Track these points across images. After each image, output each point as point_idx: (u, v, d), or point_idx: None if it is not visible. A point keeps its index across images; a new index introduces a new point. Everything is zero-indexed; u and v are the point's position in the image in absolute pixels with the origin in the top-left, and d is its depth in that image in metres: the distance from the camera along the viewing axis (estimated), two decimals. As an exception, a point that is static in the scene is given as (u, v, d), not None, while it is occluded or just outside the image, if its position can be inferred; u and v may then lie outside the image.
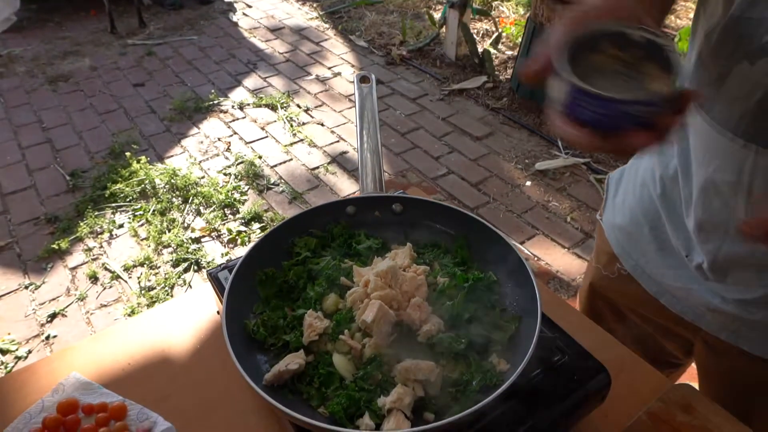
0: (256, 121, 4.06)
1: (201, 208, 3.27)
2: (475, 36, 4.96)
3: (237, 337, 0.80)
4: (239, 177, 3.51)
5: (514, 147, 3.85)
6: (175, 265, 2.92)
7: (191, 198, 3.31)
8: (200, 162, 3.65)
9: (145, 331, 1.14)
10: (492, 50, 4.82)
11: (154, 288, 2.79)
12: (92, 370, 1.06)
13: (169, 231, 3.09)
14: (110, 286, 2.82)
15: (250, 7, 6.09)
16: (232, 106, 4.22)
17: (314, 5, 6.11)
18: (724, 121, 0.78)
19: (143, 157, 3.54)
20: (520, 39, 4.67)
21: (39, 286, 2.80)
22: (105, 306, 2.73)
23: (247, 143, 3.83)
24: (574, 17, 0.66)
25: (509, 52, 4.96)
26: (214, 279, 1.02)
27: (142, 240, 3.07)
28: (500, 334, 0.85)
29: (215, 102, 4.24)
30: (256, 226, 3.14)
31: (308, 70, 4.77)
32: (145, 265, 2.91)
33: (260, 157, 3.69)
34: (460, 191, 3.44)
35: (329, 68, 4.81)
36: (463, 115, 4.18)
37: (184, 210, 3.25)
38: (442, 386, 0.80)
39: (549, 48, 0.64)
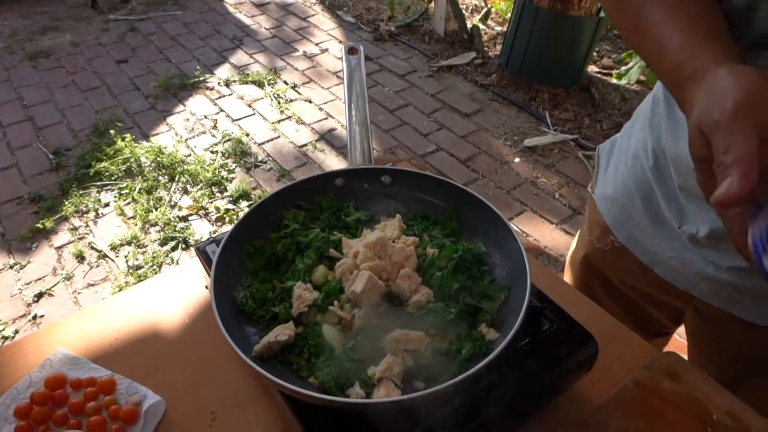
0: (242, 98, 4.01)
1: (188, 186, 3.24)
2: (464, 11, 4.90)
3: (225, 310, 0.80)
4: (226, 155, 3.48)
5: (503, 123, 3.84)
6: (163, 243, 2.89)
7: (178, 176, 3.28)
8: (186, 140, 3.61)
9: (132, 307, 1.13)
10: (481, 26, 4.78)
11: (142, 267, 2.77)
12: (79, 345, 1.05)
13: (156, 209, 3.06)
14: (97, 266, 2.80)
15: (234, -19, 5.97)
16: (218, 83, 4.16)
17: (300, -20, 6.00)
18: None
19: (128, 135, 3.49)
20: (509, 14, 4.63)
21: (24, 266, 2.77)
22: (92, 285, 2.71)
23: (234, 120, 3.79)
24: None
25: (498, 28, 4.92)
26: (202, 253, 1.01)
27: (128, 219, 3.04)
28: (489, 304, 0.86)
29: (201, 79, 4.17)
30: (244, 204, 3.12)
31: (295, 47, 4.70)
32: (133, 244, 2.89)
33: (247, 135, 3.65)
34: (448, 168, 3.43)
35: (316, 44, 4.75)
36: (451, 92, 4.15)
37: (170, 188, 3.22)
38: (431, 356, 0.80)
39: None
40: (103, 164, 3.29)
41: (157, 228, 2.98)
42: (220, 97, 4.02)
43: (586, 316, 0.96)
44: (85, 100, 3.94)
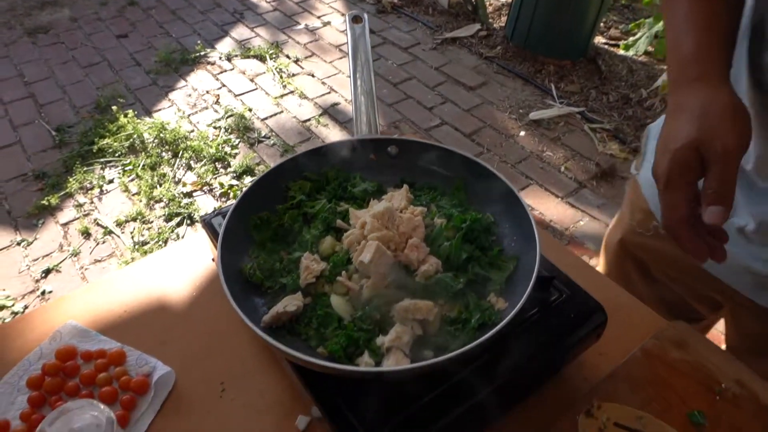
0: (244, 73, 3.97)
1: (191, 162, 3.23)
2: (468, -18, 4.81)
3: (233, 281, 0.79)
4: (229, 130, 3.45)
5: (508, 97, 3.79)
6: (168, 219, 2.89)
7: (181, 152, 3.26)
8: (189, 115, 3.58)
9: (139, 280, 1.13)
10: (485, -3, 4.69)
11: (148, 242, 2.78)
12: (88, 318, 1.06)
13: (160, 186, 3.06)
14: (103, 242, 2.80)
15: (234, -47, 5.86)
16: (220, 58, 4.11)
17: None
18: None
19: (130, 111, 3.46)
20: (514, -15, 4.54)
21: (31, 243, 2.78)
22: (99, 261, 2.71)
23: (236, 96, 3.75)
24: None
25: (503, -1, 4.83)
26: (208, 225, 1.01)
27: (133, 195, 3.03)
28: (498, 274, 0.85)
29: (202, 53, 4.13)
30: (247, 179, 3.11)
31: (297, 20, 4.63)
32: (138, 220, 2.89)
33: (250, 110, 3.62)
34: (453, 142, 3.41)
35: (318, 17, 4.67)
36: (456, 65, 4.09)
37: (174, 164, 3.21)
38: (440, 325, 0.80)
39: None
40: (106, 141, 3.27)
41: (162, 204, 2.98)
42: (221, 72, 3.98)
43: (594, 285, 0.96)
44: (86, 76, 3.91)
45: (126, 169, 3.16)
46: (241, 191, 0.89)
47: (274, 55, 4.14)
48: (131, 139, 3.30)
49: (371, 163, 1.03)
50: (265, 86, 3.85)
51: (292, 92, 3.80)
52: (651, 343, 0.95)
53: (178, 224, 2.87)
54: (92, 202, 3.00)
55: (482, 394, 0.78)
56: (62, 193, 3.01)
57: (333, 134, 3.44)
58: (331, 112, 3.62)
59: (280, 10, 4.78)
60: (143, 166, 3.16)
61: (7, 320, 2.46)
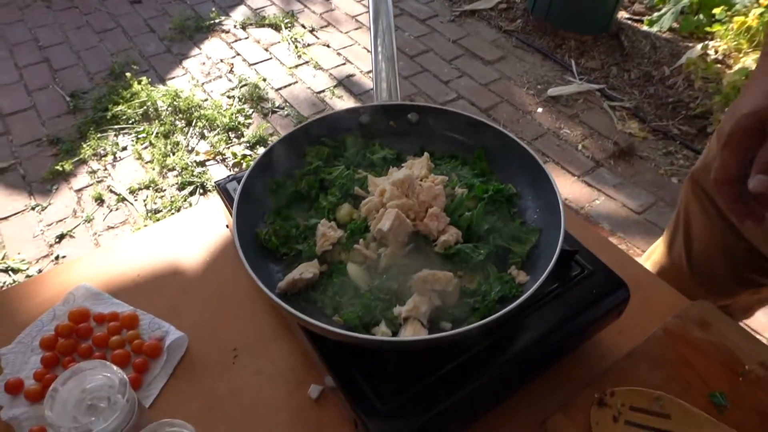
0: (259, 42, 3.92)
1: (205, 131, 3.21)
2: (489, -47, 4.68)
3: (248, 246, 0.78)
4: (243, 100, 3.42)
5: (527, 72, 3.71)
6: (181, 188, 2.89)
7: (195, 121, 3.24)
8: (203, 84, 3.55)
9: (152, 245, 1.12)
10: (506, -32, 4.56)
11: (161, 211, 2.78)
12: (101, 281, 1.05)
13: (174, 154, 3.04)
14: (116, 209, 2.81)
15: None
16: (234, 26, 4.05)
17: None
18: None
19: (144, 78, 3.43)
20: (536, -44, 4.40)
21: (45, 208, 2.79)
22: (112, 228, 2.72)
23: (250, 65, 3.71)
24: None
25: (524, -29, 4.70)
26: (223, 190, 0.99)
27: (146, 163, 3.03)
28: (520, 246, 0.83)
29: (216, 21, 4.07)
30: (261, 150, 3.08)
31: (313, -11, 4.54)
32: (151, 188, 2.88)
33: (264, 80, 3.58)
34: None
35: (335, -14, 4.58)
36: (474, 38, 4.01)
37: (187, 133, 3.19)
38: (459, 297, 0.78)
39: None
40: (120, 107, 3.26)
41: (175, 173, 2.97)
42: (236, 41, 3.93)
43: (614, 262, 0.93)
44: (100, 42, 3.88)
45: (139, 136, 3.15)
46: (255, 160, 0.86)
47: (289, 25, 4.07)
48: (145, 107, 3.29)
49: (391, 130, 1.01)
50: (280, 56, 3.80)
51: (306, 63, 3.74)
52: (673, 323, 0.92)
53: (191, 193, 2.87)
54: (106, 169, 3.00)
55: (498, 369, 0.76)
56: (76, 159, 3.01)
57: (348, 106, 3.40)
58: (346, 83, 3.57)
59: (296, -22, 4.69)
60: (156, 134, 3.15)
61: (34, 277, 2.48)
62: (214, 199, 1.13)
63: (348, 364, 0.76)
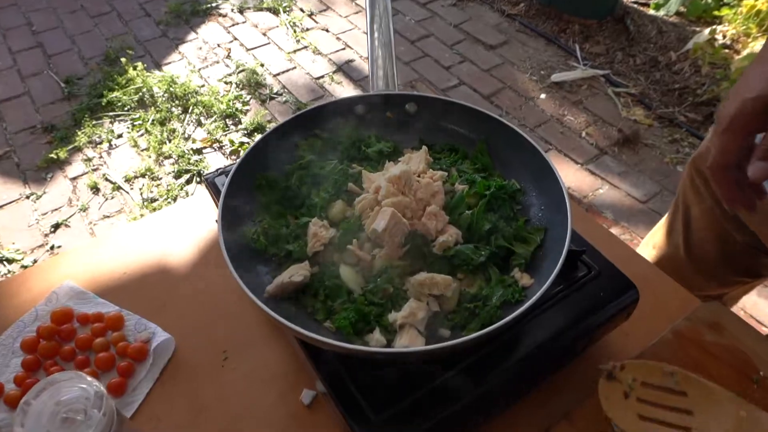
0: (257, 26, 3.84)
1: (201, 118, 3.15)
2: (492, -66, 4.57)
3: (235, 246, 0.73)
4: (240, 86, 3.36)
5: (530, 57, 3.64)
6: (177, 176, 2.84)
7: (191, 107, 3.18)
8: (199, 69, 3.48)
9: (140, 240, 1.08)
10: (510, -50, 4.46)
11: (157, 199, 2.73)
12: (86, 278, 1.01)
13: (170, 141, 2.99)
14: (112, 197, 2.77)
15: None
16: (231, 10, 3.97)
17: None
18: None
19: (139, 64, 3.37)
20: (541, -63, 4.30)
21: (40, 196, 2.75)
22: (108, 217, 2.68)
23: (248, 50, 3.64)
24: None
25: (528, -47, 4.59)
26: (211, 185, 0.94)
27: (142, 150, 2.98)
28: (524, 247, 0.78)
29: (213, 5, 3.99)
30: (258, 137, 3.02)
31: (312, -29, 4.45)
32: (147, 176, 2.84)
33: (262, 65, 3.51)
34: (471, 103, 3.28)
35: (334, -31, 4.49)
36: (476, 22, 3.93)
37: (184, 120, 3.13)
38: (459, 301, 0.73)
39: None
40: (115, 94, 3.20)
41: (171, 161, 2.92)
42: (233, 25, 3.85)
43: (621, 258, 0.89)
44: (95, 26, 3.80)
45: (135, 123, 3.10)
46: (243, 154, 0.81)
47: (287, 8, 3.99)
48: (140, 93, 3.23)
49: (387, 121, 0.96)
50: (278, 41, 3.72)
51: (305, 47, 3.67)
52: (683, 325, 0.88)
53: (188, 181, 2.82)
54: (101, 157, 2.95)
55: (499, 377, 0.72)
56: (71, 146, 2.96)
57: (347, 92, 3.34)
58: (345, 69, 3.51)
59: (295, -40, 4.59)
60: (152, 121, 3.09)
61: (16, 274, 2.45)
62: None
63: (340, 370, 0.72)
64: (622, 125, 3.14)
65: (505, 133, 0.87)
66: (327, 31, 3.83)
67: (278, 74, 3.46)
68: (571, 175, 2.88)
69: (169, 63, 3.53)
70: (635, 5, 4.06)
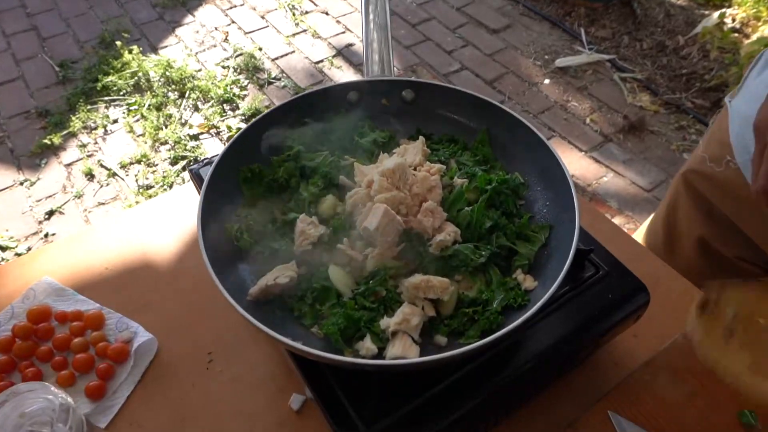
0: (255, 9, 3.76)
1: (198, 103, 3.09)
2: None
3: (216, 244, 0.68)
4: (238, 70, 3.29)
5: (534, 41, 3.55)
6: (173, 162, 2.79)
7: (188, 92, 3.12)
8: (196, 53, 3.41)
9: (124, 234, 1.03)
10: (515, -69, 4.35)
11: (153, 186, 2.68)
12: (66, 274, 0.96)
13: (166, 127, 2.93)
14: (107, 184, 2.72)
15: None
16: (230, -8, 3.89)
17: None
18: None
19: (135, 47, 3.30)
20: None
21: (34, 183, 2.70)
22: (103, 204, 2.63)
23: (246, 33, 3.56)
24: None
25: (534, -66, 4.48)
26: (196, 176, 0.89)
27: (138, 136, 2.92)
28: (527, 247, 0.72)
29: (211, -13, 3.90)
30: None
31: (312, -48, 4.35)
32: (143, 163, 2.78)
33: (260, 49, 3.44)
34: (472, 89, 3.15)
35: (335, -50, 4.38)
36: (479, 5, 3.84)
37: (180, 105, 3.07)
38: (457, 306, 0.68)
39: None
40: (111, 78, 3.13)
41: (168, 146, 2.86)
42: (231, 8, 3.77)
43: (630, 255, 0.83)
44: (90, 9, 3.72)
45: (131, 108, 3.04)
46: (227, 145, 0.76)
47: (286, -9, 3.90)
48: (136, 77, 3.16)
49: (383, 109, 0.90)
50: (277, 24, 3.65)
51: (304, 31, 3.59)
52: (696, 328, 0.82)
53: (184, 168, 2.76)
54: (96, 143, 2.89)
55: (499, 386, 0.67)
56: (65, 132, 2.91)
57: (346, 77, 3.27)
58: (345, 53, 3.43)
59: (295, -59, 4.49)
60: (148, 106, 3.03)
61: (10, 261, 2.40)
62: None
63: (329, 379, 0.67)
64: (627, 111, 3.07)
65: (509, 123, 0.81)
66: (327, 14, 3.74)
67: (277, 58, 3.39)
68: (575, 163, 2.82)
69: (166, 47, 3.46)
70: (643, -12, 3.96)
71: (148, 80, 3.16)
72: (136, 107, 3.03)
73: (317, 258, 0.72)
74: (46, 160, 2.81)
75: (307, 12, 3.75)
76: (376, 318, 0.66)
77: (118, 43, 3.31)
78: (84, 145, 2.87)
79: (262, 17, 3.71)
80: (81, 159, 2.81)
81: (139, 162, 2.79)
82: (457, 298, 0.69)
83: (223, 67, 3.32)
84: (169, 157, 2.80)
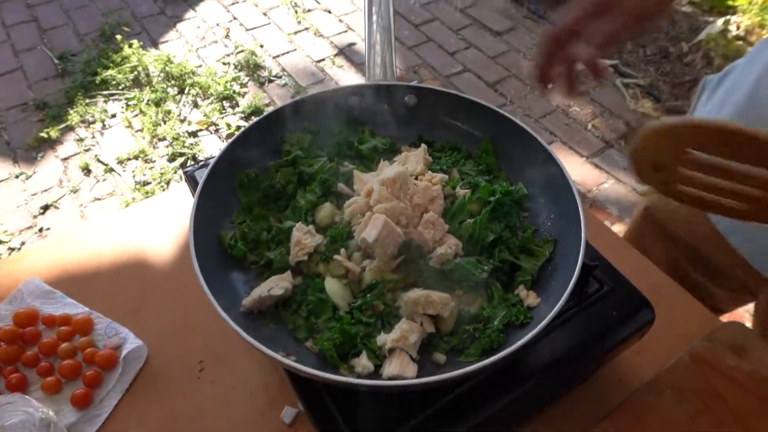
0: (257, 6, 3.73)
1: (198, 99, 3.06)
2: None
3: (209, 252, 0.66)
4: (239, 67, 3.26)
5: (537, 44, 3.53)
6: (171, 159, 2.76)
7: (188, 88, 3.09)
8: (197, 49, 3.38)
9: (116, 235, 1.00)
10: (521, -67, 4.33)
11: (150, 183, 2.66)
12: (55, 276, 0.93)
13: (165, 123, 2.91)
14: (104, 179, 2.69)
15: None
16: (232, -12, 3.86)
17: None
18: None
19: (135, 41, 3.27)
20: None
21: (30, 176, 2.67)
22: (99, 199, 2.61)
23: (247, 30, 3.54)
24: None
25: (539, -64, 4.46)
26: (191, 179, 0.86)
27: (136, 132, 2.89)
28: (530, 261, 0.70)
29: (213, -18, 3.87)
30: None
31: (315, -50, 4.32)
32: (140, 159, 2.76)
33: (261, 46, 3.41)
34: (474, 91, 3.19)
35: (339, -52, 4.35)
36: (483, 7, 3.82)
37: (180, 101, 3.04)
38: (457, 322, 0.66)
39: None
40: (110, 72, 3.11)
41: (166, 143, 2.83)
42: (233, 4, 3.74)
43: (634, 270, 0.81)
44: (91, 1, 3.69)
45: (129, 103, 3.01)
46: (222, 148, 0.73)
47: (289, -12, 3.88)
48: (136, 72, 3.13)
49: (384, 114, 0.87)
50: (279, 21, 3.62)
51: (306, 29, 3.57)
52: (702, 347, 0.80)
53: (182, 165, 2.74)
54: (93, 137, 2.87)
55: (499, 405, 0.65)
56: (63, 125, 2.88)
57: (348, 77, 3.24)
58: (347, 52, 3.41)
59: (299, -62, 4.46)
60: (147, 101, 3.00)
61: (4, 256, 2.38)
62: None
63: (322, 394, 0.64)
64: (629, 118, 3.05)
65: (514, 132, 0.79)
66: (329, 12, 3.72)
67: (278, 56, 3.37)
68: (576, 169, 2.80)
69: (166, 41, 3.43)
70: (648, -7, 3.93)
71: (147, 75, 3.14)
72: (134, 102, 3.01)
73: (313, 268, 0.69)
74: (43, 153, 2.78)
75: (309, 10, 3.73)
76: (373, 333, 0.63)
77: (119, 36, 3.28)
78: (81, 139, 2.84)
79: (264, 14, 3.68)
80: (78, 153, 2.78)
81: (136, 158, 2.76)
82: (458, 313, 0.66)
83: (224, 64, 3.29)
84: (167, 154, 2.78)
